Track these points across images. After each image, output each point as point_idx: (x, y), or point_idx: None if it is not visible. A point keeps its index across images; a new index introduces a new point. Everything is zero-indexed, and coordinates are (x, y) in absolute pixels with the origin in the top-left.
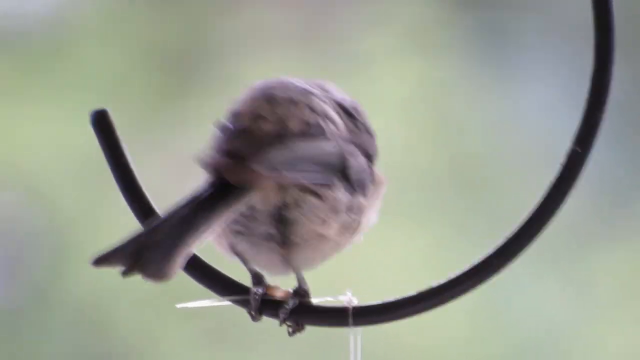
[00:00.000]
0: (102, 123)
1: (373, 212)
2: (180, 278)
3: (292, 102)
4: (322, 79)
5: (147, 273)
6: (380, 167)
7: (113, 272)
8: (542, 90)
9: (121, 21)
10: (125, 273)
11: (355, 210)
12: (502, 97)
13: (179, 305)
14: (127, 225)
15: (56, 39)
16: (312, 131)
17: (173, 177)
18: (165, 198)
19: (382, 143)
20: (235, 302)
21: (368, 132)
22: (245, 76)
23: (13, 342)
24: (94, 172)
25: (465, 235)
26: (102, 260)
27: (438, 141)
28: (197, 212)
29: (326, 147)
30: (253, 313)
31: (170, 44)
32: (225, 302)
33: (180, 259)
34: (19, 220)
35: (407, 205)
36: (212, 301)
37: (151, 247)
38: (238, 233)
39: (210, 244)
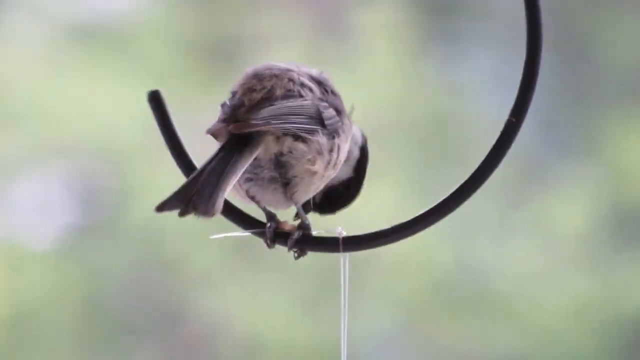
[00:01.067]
0: (156, 100)
1: (347, 148)
2: (213, 220)
3: (275, 76)
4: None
5: (198, 213)
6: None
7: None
8: (486, 72)
9: (173, 19)
10: (181, 214)
11: (334, 150)
12: (453, 78)
13: (212, 237)
14: (175, 175)
15: (124, 32)
16: (292, 94)
17: (208, 145)
18: (201, 159)
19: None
20: (255, 233)
21: (334, 93)
22: None
23: (90, 254)
24: (151, 137)
25: (430, 183)
26: (162, 207)
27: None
28: (223, 164)
29: (304, 103)
30: (268, 242)
31: (210, 38)
32: (248, 233)
33: (221, 201)
34: (96, 172)
35: (383, 160)
36: (238, 233)
37: (196, 194)
38: (249, 180)
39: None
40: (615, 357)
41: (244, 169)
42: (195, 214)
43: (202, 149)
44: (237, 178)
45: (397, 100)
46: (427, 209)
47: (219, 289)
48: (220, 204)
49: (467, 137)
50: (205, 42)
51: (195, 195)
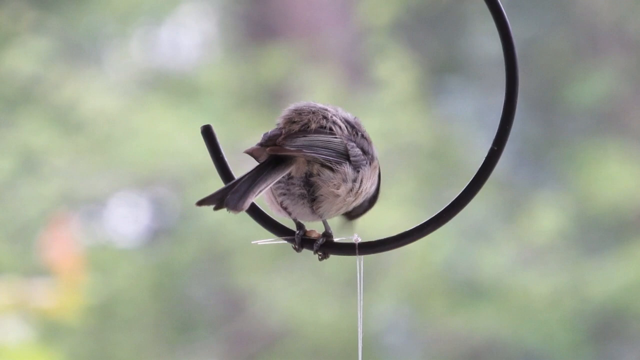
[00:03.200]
0: (208, 133)
1: (370, 184)
2: (258, 227)
3: (313, 112)
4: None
5: (229, 208)
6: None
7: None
8: (475, 111)
9: (231, 71)
10: (215, 208)
11: (358, 181)
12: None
13: (253, 242)
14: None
15: (192, 77)
16: (324, 130)
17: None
18: None
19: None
20: (286, 240)
21: (364, 137)
22: None
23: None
24: (209, 167)
25: (428, 199)
26: (202, 202)
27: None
28: (258, 174)
29: (333, 139)
30: (296, 247)
31: (260, 88)
32: (281, 240)
33: (249, 201)
34: (165, 196)
35: (390, 180)
36: (273, 240)
37: (230, 193)
38: (283, 194)
39: (269, 210)
40: (583, 334)
41: (275, 181)
42: (227, 209)
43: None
44: (268, 186)
45: (404, 132)
46: (426, 220)
47: (267, 283)
48: (248, 203)
49: (461, 162)
50: (257, 91)
51: (229, 194)
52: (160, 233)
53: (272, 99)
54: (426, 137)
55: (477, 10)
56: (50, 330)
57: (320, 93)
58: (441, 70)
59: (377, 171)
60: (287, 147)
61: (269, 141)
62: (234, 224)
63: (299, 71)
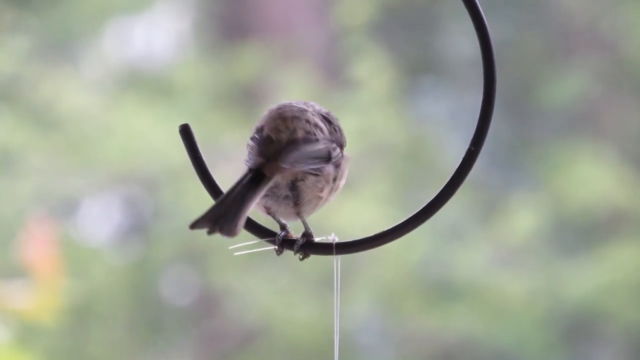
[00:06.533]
0: (186, 132)
1: (344, 178)
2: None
3: (296, 117)
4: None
5: (222, 233)
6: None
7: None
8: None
9: (206, 70)
10: (209, 233)
11: (337, 178)
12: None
13: (231, 247)
14: (201, 196)
15: (166, 76)
16: (310, 137)
17: (233, 173)
18: (224, 181)
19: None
20: (267, 241)
21: (339, 131)
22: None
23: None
24: (184, 166)
25: (405, 199)
26: (194, 225)
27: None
28: (246, 191)
29: (319, 147)
30: (276, 247)
31: (235, 86)
32: (261, 248)
33: (242, 223)
34: (141, 189)
35: (366, 179)
36: (254, 241)
37: (222, 216)
38: (267, 196)
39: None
40: (556, 334)
41: (262, 194)
42: (220, 234)
43: (226, 172)
44: (256, 203)
45: (379, 131)
46: (402, 220)
47: (242, 281)
48: (241, 226)
49: (436, 162)
50: (231, 90)
51: (221, 217)
52: (135, 232)
53: (247, 98)
54: (401, 137)
55: (452, 11)
56: (26, 331)
57: (295, 92)
58: (416, 71)
59: (348, 163)
60: (283, 166)
61: (264, 152)
62: None
63: (274, 70)
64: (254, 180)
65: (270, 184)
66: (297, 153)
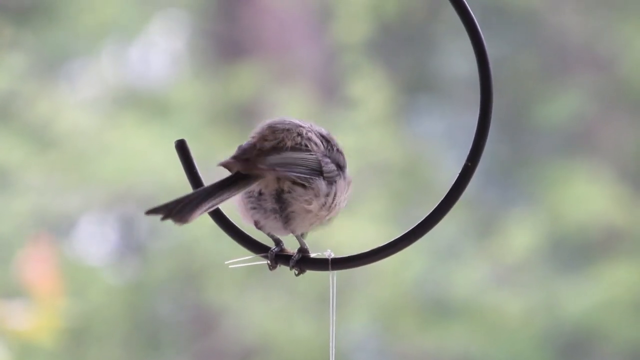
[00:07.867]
0: (182, 147)
1: (343, 199)
2: (232, 244)
3: (287, 130)
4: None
5: (174, 219)
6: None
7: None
8: (448, 128)
9: (200, 87)
10: (162, 219)
11: (330, 195)
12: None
13: (226, 262)
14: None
15: (163, 95)
16: (300, 147)
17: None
18: None
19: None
20: (262, 256)
21: (339, 151)
22: None
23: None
24: (181, 185)
25: (401, 215)
26: (151, 211)
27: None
28: (217, 189)
29: (307, 156)
30: (269, 263)
31: (233, 105)
32: (256, 262)
33: (198, 213)
34: (137, 214)
35: (363, 196)
36: (248, 258)
37: (181, 205)
38: (253, 209)
39: (244, 225)
40: (553, 352)
41: (230, 198)
42: (172, 220)
43: None
44: (223, 201)
45: (376, 150)
46: (398, 236)
47: (240, 300)
48: (194, 217)
49: (433, 180)
50: (228, 109)
51: (180, 206)
52: (131, 251)
53: (243, 117)
54: (398, 156)
55: (448, 30)
56: (25, 351)
57: (292, 111)
58: (413, 89)
59: (351, 184)
60: (260, 166)
61: (243, 155)
62: (207, 241)
63: (271, 89)
64: (230, 181)
65: (251, 187)
66: (278, 156)
